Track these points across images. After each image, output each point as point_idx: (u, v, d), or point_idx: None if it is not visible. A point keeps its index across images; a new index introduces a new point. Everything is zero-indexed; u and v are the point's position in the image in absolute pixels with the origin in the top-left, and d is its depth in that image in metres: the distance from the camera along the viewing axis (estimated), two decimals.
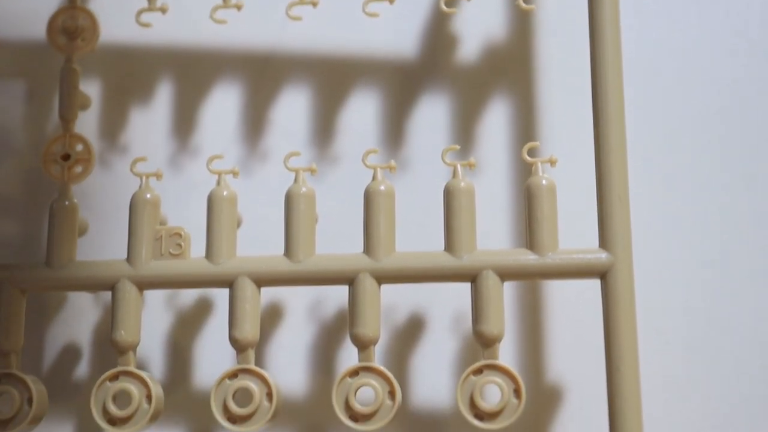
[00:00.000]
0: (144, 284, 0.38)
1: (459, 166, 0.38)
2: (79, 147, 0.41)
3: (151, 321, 0.42)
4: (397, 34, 0.45)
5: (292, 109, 0.45)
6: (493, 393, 0.37)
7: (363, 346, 0.37)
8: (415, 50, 0.45)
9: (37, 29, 0.44)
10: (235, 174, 0.39)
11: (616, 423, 0.36)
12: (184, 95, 0.45)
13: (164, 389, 0.39)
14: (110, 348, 0.39)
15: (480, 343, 0.37)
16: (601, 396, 0.36)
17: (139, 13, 0.42)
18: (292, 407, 0.41)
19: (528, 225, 0.37)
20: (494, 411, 0.36)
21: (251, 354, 0.38)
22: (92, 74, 0.45)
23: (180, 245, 0.39)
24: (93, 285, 0.39)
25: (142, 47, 0.45)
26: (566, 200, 0.38)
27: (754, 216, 0.42)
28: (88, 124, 0.44)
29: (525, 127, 0.43)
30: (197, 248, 0.39)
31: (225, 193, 0.39)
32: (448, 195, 0.38)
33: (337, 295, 0.42)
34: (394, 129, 0.44)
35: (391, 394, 0.37)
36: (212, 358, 0.42)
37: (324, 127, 0.44)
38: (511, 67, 0.44)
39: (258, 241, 0.39)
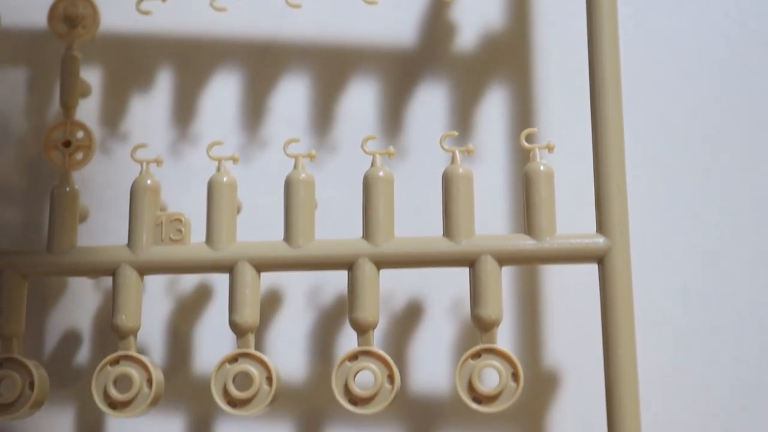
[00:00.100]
0: (144, 269, 0.39)
1: (457, 152, 0.38)
2: (80, 134, 0.41)
3: (152, 307, 0.43)
4: (395, 23, 0.45)
5: (292, 97, 0.45)
6: (491, 377, 0.37)
7: (362, 330, 0.37)
8: (414, 38, 0.45)
9: (38, 17, 0.44)
10: (235, 160, 0.39)
11: (613, 407, 0.36)
12: (184, 83, 0.45)
13: (164, 375, 0.39)
14: (111, 334, 0.39)
15: (478, 327, 0.37)
16: (599, 380, 0.36)
17: (140, 1, 0.42)
18: (291, 393, 0.42)
19: (526, 210, 0.38)
20: (492, 394, 0.36)
21: (251, 338, 0.38)
22: (92, 62, 0.45)
23: (180, 231, 0.39)
24: (94, 270, 0.39)
25: (143, 35, 0.45)
26: (564, 186, 0.38)
27: (751, 202, 0.42)
28: (88, 111, 0.44)
29: (523, 115, 0.43)
30: (197, 236, 0.39)
31: (225, 179, 0.39)
32: (447, 180, 0.38)
33: (336, 281, 0.42)
34: (393, 117, 0.44)
35: (390, 378, 0.37)
36: (212, 344, 0.43)
37: (323, 115, 0.44)
38: (509, 55, 0.44)
39: (257, 228, 0.39)
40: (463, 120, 0.44)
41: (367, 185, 0.38)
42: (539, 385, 0.41)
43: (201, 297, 0.43)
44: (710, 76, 0.43)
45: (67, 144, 0.41)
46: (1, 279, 0.39)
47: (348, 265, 0.38)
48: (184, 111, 0.45)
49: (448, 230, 0.38)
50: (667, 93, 0.43)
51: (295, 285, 0.43)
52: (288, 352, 0.42)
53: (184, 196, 0.42)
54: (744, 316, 0.41)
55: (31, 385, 0.38)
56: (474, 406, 0.36)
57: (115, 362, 0.38)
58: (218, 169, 0.39)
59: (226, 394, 0.37)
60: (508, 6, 0.44)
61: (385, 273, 0.38)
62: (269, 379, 0.37)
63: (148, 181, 0.39)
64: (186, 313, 0.43)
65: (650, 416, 0.38)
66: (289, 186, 0.39)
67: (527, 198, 0.38)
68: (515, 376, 0.37)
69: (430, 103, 0.44)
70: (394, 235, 0.38)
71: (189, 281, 0.43)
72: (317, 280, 0.43)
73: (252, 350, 0.38)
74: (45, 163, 0.43)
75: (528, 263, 0.38)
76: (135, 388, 0.38)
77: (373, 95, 0.44)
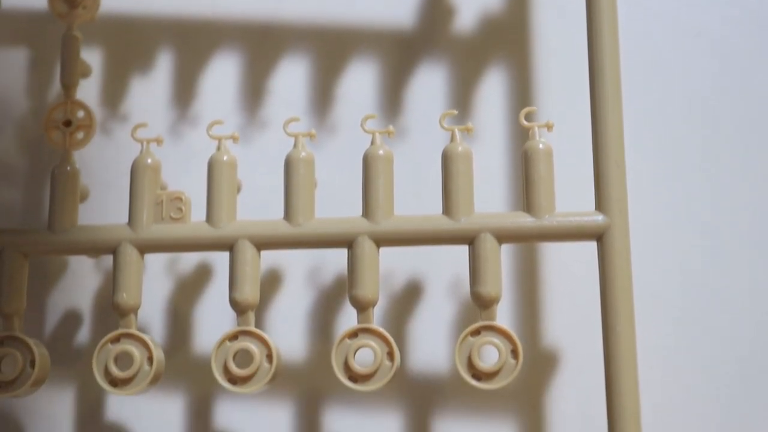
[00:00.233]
0: (145, 248, 0.39)
1: (457, 131, 0.38)
2: (81, 113, 0.41)
3: (152, 287, 0.43)
4: (395, 3, 0.45)
5: (291, 78, 0.45)
6: (490, 354, 0.37)
7: (362, 307, 0.37)
8: (413, 19, 0.45)
9: None
10: (235, 139, 0.39)
11: (612, 384, 0.36)
12: (183, 64, 0.45)
13: (165, 354, 0.40)
14: (111, 314, 0.39)
15: (478, 304, 0.37)
16: (597, 358, 0.37)
17: None
18: (291, 372, 0.42)
19: (525, 188, 0.38)
20: (492, 371, 0.37)
21: (251, 316, 0.38)
22: (92, 43, 0.45)
23: (181, 209, 0.39)
24: (94, 249, 0.39)
25: (143, 16, 0.46)
26: (563, 164, 0.38)
27: (750, 180, 0.42)
28: (88, 92, 0.44)
29: (522, 95, 0.43)
30: (197, 217, 0.39)
31: (225, 157, 0.39)
32: (446, 159, 0.38)
33: (336, 261, 0.42)
34: (392, 98, 0.44)
35: (390, 355, 0.37)
36: (212, 323, 0.43)
37: (322, 97, 0.45)
38: (507, 34, 0.44)
39: (257, 208, 0.39)
40: (462, 101, 0.44)
41: (367, 163, 0.38)
42: (538, 363, 0.41)
43: (201, 277, 0.43)
44: (709, 54, 0.44)
45: (67, 123, 0.41)
46: (2, 258, 0.39)
47: (348, 243, 0.38)
48: (183, 92, 0.45)
49: (447, 208, 0.38)
50: (665, 72, 0.43)
51: (295, 265, 0.43)
52: (288, 331, 0.42)
53: (183, 177, 0.42)
54: (743, 293, 0.41)
55: (32, 363, 0.38)
56: (473, 382, 0.37)
57: (116, 340, 0.38)
58: (218, 148, 0.39)
59: (226, 371, 0.37)
60: None
61: (384, 253, 0.38)
62: (269, 357, 0.38)
63: (149, 160, 0.39)
64: (186, 293, 0.43)
65: (649, 394, 0.38)
66: (289, 164, 0.39)
67: (526, 176, 0.38)
68: (514, 353, 0.37)
69: (429, 84, 0.44)
70: (394, 213, 0.38)
71: (189, 261, 0.44)
72: (316, 259, 0.43)
73: (252, 328, 0.38)
74: (45, 144, 0.43)
75: (527, 241, 0.38)
76: (135, 366, 0.38)
77: (372, 76, 0.45)
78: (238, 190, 0.40)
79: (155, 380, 0.38)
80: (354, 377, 0.37)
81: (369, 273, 0.37)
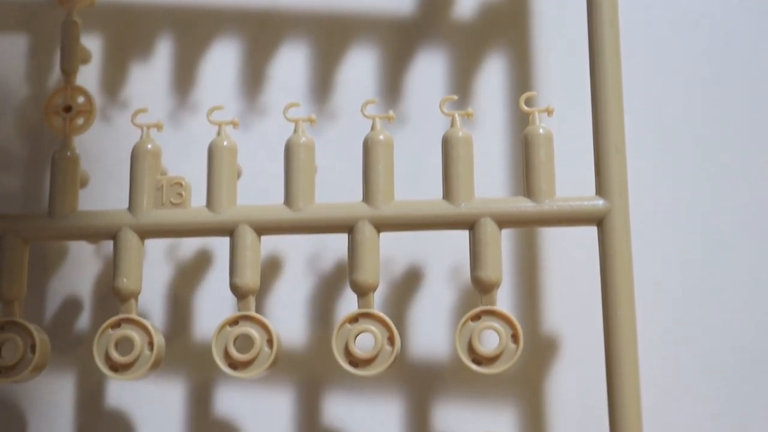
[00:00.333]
0: (145, 233, 0.39)
1: (457, 116, 0.38)
2: (81, 99, 0.41)
3: (152, 273, 0.43)
4: None
5: (291, 65, 0.45)
6: (491, 338, 0.37)
7: (362, 292, 0.37)
8: (413, 5, 0.45)
9: None
10: (235, 125, 0.39)
11: (612, 369, 0.36)
12: (183, 51, 0.45)
13: (165, 340, 0.40)
14: (111, 301, 0.39)
15: (478, 289, 0.37)
16: (598, 343, 0.37)
17: None
18: (291, 358, 0.42)
19: (525, 173, 0.38)
20: (492, 356, 0.37)
21: (251, 301, 0.38)
22: (92, 29, 0.45)
23: (181, 194, 0.39)
24: (95, 234, 0.39)
25: (142, 2, 0.46)
26: (563, 150, 0.38)
27: (750, 166, 0.42)
28: (88, 79, 0.44)
29: (522, 81, 0.43)
30: (196, 203, 0.39)
31: (225, 143, 0.39)
32: (447, 144, 0.38)
33: (336, 247, 0.42)
34: (392, 84, 0.44)
35: (390, 340, 0.37)
36: (212, 309, 0.43)
37: (322, 83, 0.45)
38: (507, 20, 0.44)
39: (257, 195, 0.39)
40: (462, 88, 0.44)
41: (367, 148, 0.38)
42: (538, 349, 0.41)
43: (201, 263, 0.43)
44: (710, 39, 0.44)
45: (67, 109, 0.41)
46: (3, 243, 0.39)
47: (348, 228, 0.38)
48: (183, 78, 0.45)
49: (447, 193, 0.38)
50: (666, 57, 0.43)
51: (295, 251, 0.43)
52: (288, 317, 0.42)
53: (183, 164, 0.42)
54: (743, 278, 0.41)
55: (33, 348, 0.38)
56: (474, 367, 0.37)
57: (117, 325, 0.38)
58: (218, 134, 0.39)
59: (227, 356, 0.37)
60: None
61: (383, 239, 0.38)
62: (270, 342, 0.38)
63: (149, 146, 0.39)
64: (186, 280, 0.43)
65: (649, 378, 0.38)
66: (289, 149, 0.39)
67: (527, 161, 0.38)
68: (515, 337, 0.37)
69: (429, 71, 0.44)
70: (394, 198, 0.38)
71: (189, 247, 0.44)
72: (316, 246, 0.43)
73: (253, 313, 0.38)
74: (46, 130, 0.43)
75: (527, 225, 0.38)
76: (136, 351, 0.38)
77: (372, 63, 0.45)
78: (238, 176, 0.40)
79: (156, 365, 0.38)
80: (354, 362, 0.37)
81: (369, 258, 0.37)
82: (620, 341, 0.36)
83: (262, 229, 0.38)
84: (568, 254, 0.42)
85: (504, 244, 0.38)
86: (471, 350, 0.37)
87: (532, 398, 0.41)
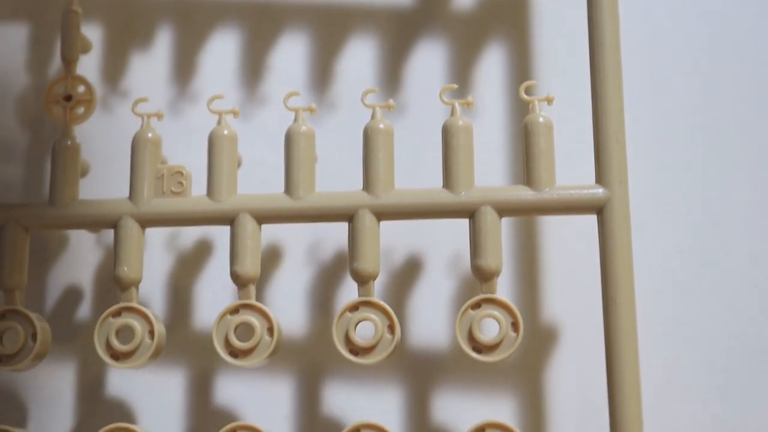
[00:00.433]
0: (146, 222, 0.39)
1: (457, 105, 0.38)
2: (81, 88, 0.41)
3: (152, 263, 0.43)
4: None
5: (291, 55, 0.45)
6: (490, 327, 0.37)
7: (363, 281, 0.38)
8: None
9: None
10: (235, 114, 0.40)
11: (612, 357, 0.36)
12: (183, 40, 0.45)
13: (165, 329, 0.40)
14: (111, 290, 0.39)
15: (478, 277, 0.37)
16: (598, 332, 0.37)
17: None
18: (291, 347, 0.42)
19: (525, 161, 0.38)
20: (492, 344, 0.37)
21: (252, 289, 0.38)
22: (93, 18, 0.45)
23: (181, 183, 0.39)
24: (95, 223, 0.39)
25: None
26: (563, 138, 0.39)
27: (750, 155, 0.42)
28: (88, 68, 0.44)
29: (521, 71, 0.43)
30: (197, 192, 0.39)
31: (226, 131, 0.39)
32: (447, 133, 0.38)
33: (336, 236, 0.42)
34: (392, 75, 0.44)
35: (391, 328, 0.37)
36: (212, 299, 0.43)
37: (322, 73, 0.45)
38: (507, 10, 0.44)
39: (257, 185, 0.39)
40: (462, 78, 0.44)
41: (368, 137, 0.38)
42: (538, 338, 0.41)
43: (201, 253, 0.43)
44: (709, 28, 0.44)
45: (68, 98, 0.41)
46: (4, 232, 0.39)
47: (348, 216, 0.38)
48: (183, 68, 0.45)
49: (447, 182, 0.38)
50: (666, 45, 0.44)
51: (295, 240, 0.43)
52: (288, 307, 0.42)
53: (183, 154, 0.42)
54: (743, 265, 0.41)
55: (34, 336, 0.39)
56: (474, 355, 0.37)
57: (117, 314, 0.38)
58: (219, 122, 0.39)
59: (227, 344, 0.38)
60: None
61: (383, 229, 0.38)
62: (270, 330, 0.38)
63: (149, 134, 0.39)
64: (186, 269, 0.43)
65: (649, 367, 0.38)
66: (289, 138, 0.39)
67: (527, 149, 0.38)
68: (515, 325, 0.37)
69: (428, 61, 0.44)
70: (394, 187, 0.38)
71: (189, 237, 0.44)
72: (316, 235, 0.43)
73: (253, 301, 0.38)
74: (46, 119, 0.44)
75: (527, 214, 0.39)
76: (137, 339, 0.38)
77: (371, 53, 0.45)
78: (238, 165, 0.40)
79: (156, 354, 0.38)
80: (355, 350, 0.37)
81: (370, 246, 0.38)
82: (620, 329, 0.36)
83: (263, 217, 0.38)
84: (568, 243, 0.42)
85: (503, 233, 0.38)
86: (471, 338, 0.37)
87: (531, 387, 0.41)
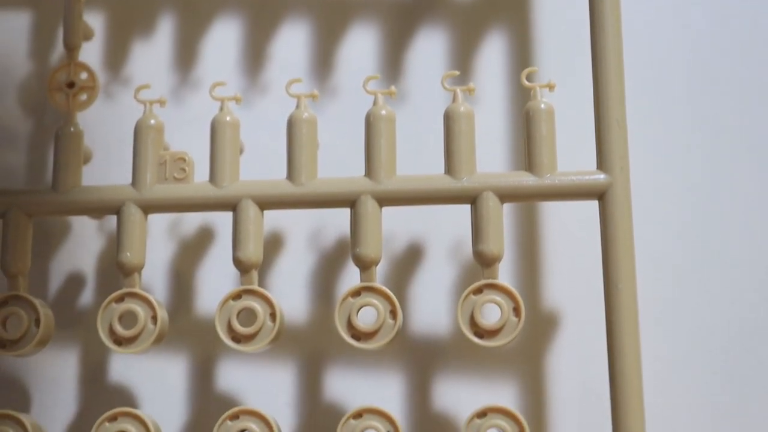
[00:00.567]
0: (148, 207, 0.39)
1: (459, 91, 0.39)
2: (84, 75, 0.41)
3: (154, 250, 0.43)
4: None
5: (292, 42, 0.45)
6: (492, 312, 0.37)
7: (365, 266, 0.38)
8: None
9: None
10: (237, 100, 0.40)
11: (614, 343, 0.36)
12: (185, 28, 0.45)
13: (168, 316, 0.40)
14: (114, 277, 0.40)
15: (480, 263, 0.37)
16: (598, 317, 0.37)
17: None
18: (293, 333, 0.42)
19: (527, 147, 0.38)
20: (494, 329, 0.37)
21: (254, 275, 0.38)
22: (95, 6, 0.45)
23: (184, 170, 0.39)
24: (98, 209, 0.39)
25: None
26: (564, 125, 0.39)
27: (750, 140, 0.42)
28: (90, 56, 0.44)
29: (522, 57, 0.44)
30: (199, 180, 0.39)
31: (228, 118, 0.39)
32: (448, 119, 0.38)
33: (337, 223, 0.42)
34: (393, 62, 0.44)
35: (393, 313, 0.37)
36: (214, 285, 0.43)
37: (323, 61, 0.45)
38: None
39: (258, 173, 0.39)
40: (463, 63, 0.44)
41: (369, 123, 0.38)
42: (539, 323, 0.41)
43: (203, 239, 0.44)
44: (709, 12, 0.44)
45: (70, 85, 0.41)
46: (7, 218, 0.39)
47: (350, 202, 0.38)
48: (185, 56, 0.45)
49: (449, 168, 0.38)
50: (666, 31, 0.44)
51: (296, 227, 0.43)
52: (290, 293, 0.43)
53: (185, 141, 0.42)
54: (743, 250, 0.42)
55: (37, 322, 0.39)
56: (476, 340, 0.37)
57: (120, 299, 0.39)
58: (221, 109, 0.39)
59: (230, 330, 0.38)
60: None
61: (385, 215, 0.38)
62: (273, 316, 0.38)
63: (152, 121, 0.40)
64: (188, 256, 0.44)
65: (649, 353, 0.38)
66: (292, 125, 0.39)
67: (528, 135, 0.38)
68: (516, 310, 0.37)
69: (429, 48, 0.44)
70: (396, 173, 0.38)
71: (191, 224, 0.44)
72: (318, 222, 0.43)
73: (256, 287, 0.38)
74: (49, 106, 0.44)
75: (529, 200, 0.39)
76: (140, 325, 0.38)
77: (373, 41, 0.45)
78: (241, 152, 0.40)
79: (159, 339, 0.39)
80: (357, 335, 0.37)
81: (372, 232, 0.38)
82: (621, 314, 0.36)
83: (265, 203, 0.38)
84: (569, 229, 0.42)
85: (505, 219, 0.38)
86: (473, 323, 0.37)
87: (532, 372, 0.41)
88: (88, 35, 0.44)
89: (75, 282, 0.44)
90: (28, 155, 0.45)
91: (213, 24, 0.45)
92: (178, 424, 0.42)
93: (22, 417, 0.38)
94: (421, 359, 0.42)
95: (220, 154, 0.39)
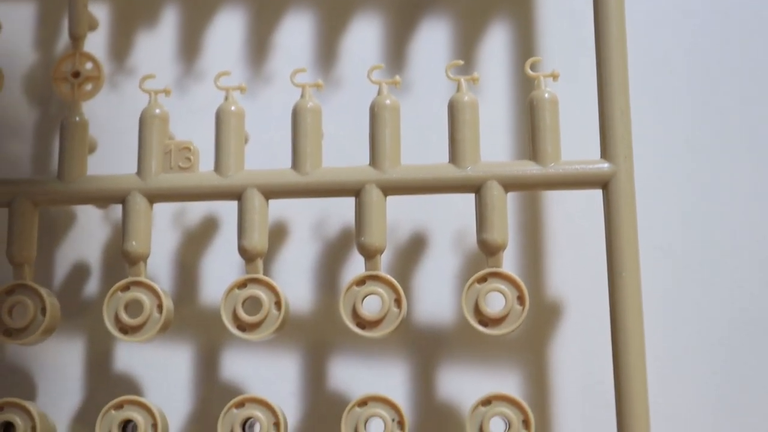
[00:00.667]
0: (154, 197, 0.39)
1: (463, 81, 0.39)
2: (89, 65, 0.41)
3: (159, 240, 0.43)
4: None
5: (296, 33, 0.45)
6: (496, 301, 0.37)
7: (369, 255, 0.38)
8: None
9: None
10: (242, 90, 0.40)
11: (618, 332, 0.36)
12: (190, 18, 0.46)
13: (173, 305, 0.40)
14: (119, 266, 0.40)
15: (484, 251, 0.37)
16: (602, 306, 0.37)
17: None
18: (298, 322, 0.42)
19: (531, 137, 0.38)
20: (498, 317, 0.37)
21: (260, 264, 0.38)
22: None
23: (189, 159, 0.39)
24: (104, 198, 0.40)
25: None
26: (568, 114, 0.39)
27: (753, 130, 0.43)
28: (95, 46, 0.44)
29: (526, 47, 0.44)
30: (203, 170, 0.39)
31: (233, 107, 0.39)
32: (452, 108, 0.38)
33: (342, 212, 0.42)
34: (397, 52, 0.44)
35: (398, 301, 0.37)
36: (219, 275, 0.43)
37: (327, 51, 0.45)
38: None
39: (263, 162, 0.39)
40: (467, 53, 0.44)
41: (374, 113, 0.39)
42: (543, 312, 0.42)
43: (208, 229, 0.44)
44: (712, 3, 0.44)
45: (76, 75, 0.41)
46: (13, 207, 0.39)
47: (355, 191, 0.38)
48: (190, 46, 0.45)
49: (454, 157, 0.38)
50: (670, 21, 0.44)
51: (301, 216, 0.43)
52: (294, 282, 0.43)
53: (190, 131, 0.42)
54: (746, 241, 0.42)
55: (43, 311, 0.39)
56: (480, 328, 0.37)
57: (126, 288, 0.39)
58: (226, 98, 0.39)
59: (235, 318, 0.38)
60: None
61: (389, 205, 0.38)
62: (278, 304, 0.38)
63: (157, 110, 0.40)
64: (193, 245, 0.44)
65: (653, 342, 0.38)
66: (296, 114, 0.39)
67: (532, 124, 0.38)
68: (521, 299, 0.37)
69: (433, 38, 0.44)
70: (401, 162, 0.38)
71: (196, 213, 0.44)
72: (322, 211, 0.43)
73: (261, 275, 0.38)
74: (54, 96, 0.44)
75: (533, 189, 0.39)
76: (145, 313, 0.38)
77: (377, 31, 0.45)
78: (245, 141, 0.40)
79: (165, 328, 0.39)
80: (362, 324, 0.37)
81: (376, 220, 0.38)
82: (625, 303, 0.37)
83: (270, 192, 0.39)
84: (573, 218, 0.42)
85: (509, 208, 0.38)
86: (477, 312, 0.37)
87: (536, 361, 0.41)
88: (93, 25, 0.44)
89: (81, 271, 0.44)
90: (34, 145, 0.45)
91: (218, 14, 0.45)
92: (183, 412, 0.42)
93: (28, 405, 0.39)
94: (426, 347, 0.42)
95: (225, 143, 0.39)
